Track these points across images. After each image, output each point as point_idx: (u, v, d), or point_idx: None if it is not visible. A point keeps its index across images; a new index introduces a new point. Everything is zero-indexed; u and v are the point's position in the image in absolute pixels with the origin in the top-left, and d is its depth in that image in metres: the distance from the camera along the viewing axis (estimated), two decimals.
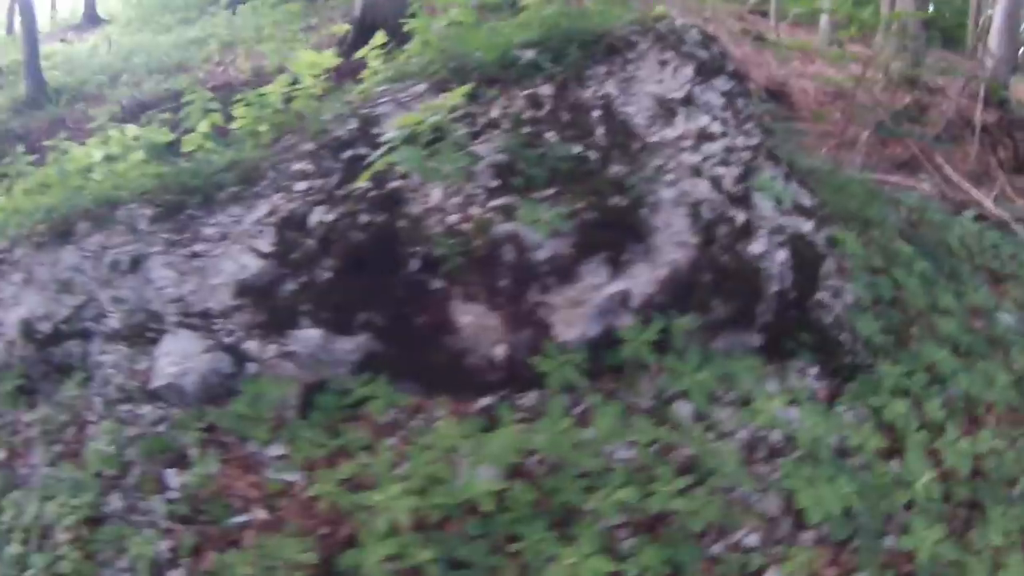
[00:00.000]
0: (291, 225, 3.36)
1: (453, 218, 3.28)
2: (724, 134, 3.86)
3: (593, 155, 3.52)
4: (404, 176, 3.37)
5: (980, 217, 6.71)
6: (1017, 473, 3.58)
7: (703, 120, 3.86)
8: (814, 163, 5.13)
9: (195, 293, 3.37)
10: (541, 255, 3.26)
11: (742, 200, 3.61)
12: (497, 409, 3.26)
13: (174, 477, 3.13)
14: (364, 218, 3.31)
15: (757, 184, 3.62)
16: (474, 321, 3.30)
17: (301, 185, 3.43)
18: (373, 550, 2.75)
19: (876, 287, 4.16)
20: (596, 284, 3.34)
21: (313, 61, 3.71)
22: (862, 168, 7.09)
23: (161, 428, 3.24)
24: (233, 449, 3.22)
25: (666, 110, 3.86)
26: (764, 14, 13.85)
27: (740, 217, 3.58)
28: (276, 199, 3.44)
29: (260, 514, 3.07)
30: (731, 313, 3.48)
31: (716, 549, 2.96)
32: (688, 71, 4.03)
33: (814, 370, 3.68)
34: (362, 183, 3.10)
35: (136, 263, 3.43)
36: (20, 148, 4.52)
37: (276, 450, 3.21)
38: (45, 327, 3.42)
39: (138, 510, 3.09)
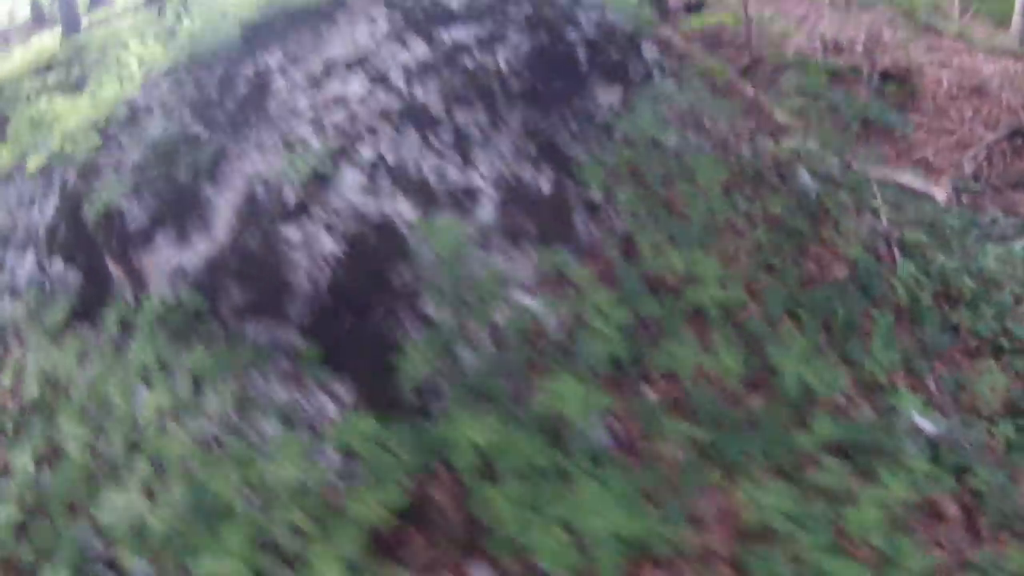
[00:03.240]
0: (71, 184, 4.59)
1: None
2: (364, 100, 3.54)
3: (198, 130, 3.77)
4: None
5: None
6: None
7: (352, 86, 3.60)
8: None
9: (51, 227, 4.92)
10: (132, 223, 3.79)
11: (320, 177, 3.32)
12: None
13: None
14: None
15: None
16: (115, 269, 4.05)
17: None
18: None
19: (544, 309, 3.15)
20: (165, 250, 3.70)
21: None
22: (972, 176, 4.88)
23: (8, 308, 4.95)
24: (34, 326, 4.75)
25: (326, 75, 3.73)
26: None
27: (291, 196, 3.36)
28: None
29: None
30: (250, 302, 3.38)
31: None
32: (383, 26, 3.75)
33: (351, 399, 3.07)
34: (33, 168, 4.10)
35: (32, 201, 5.13)
36: None
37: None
38: None
39: None
